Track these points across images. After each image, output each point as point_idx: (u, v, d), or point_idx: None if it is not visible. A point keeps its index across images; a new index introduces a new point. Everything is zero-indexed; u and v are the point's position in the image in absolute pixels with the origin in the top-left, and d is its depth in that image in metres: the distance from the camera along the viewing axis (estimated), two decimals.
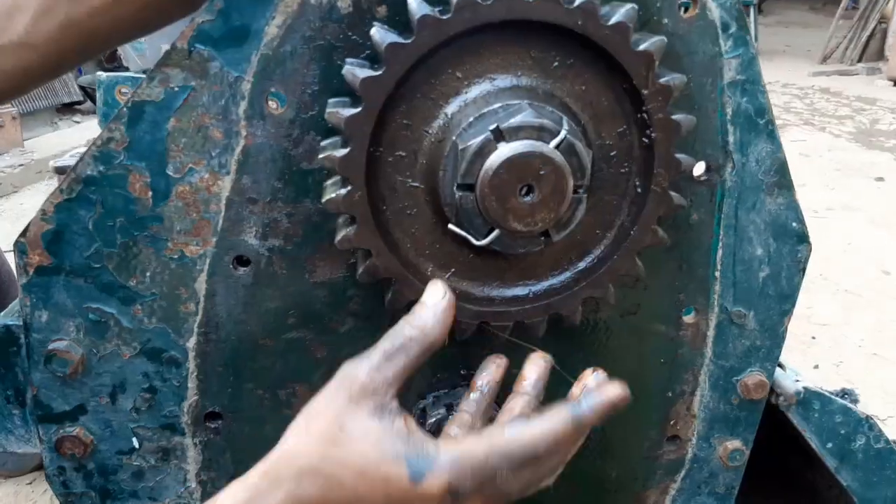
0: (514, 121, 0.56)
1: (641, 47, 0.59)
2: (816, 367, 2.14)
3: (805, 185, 4.05)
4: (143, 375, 0.74)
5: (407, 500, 0.51)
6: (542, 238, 0.62)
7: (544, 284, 0.68)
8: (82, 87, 5.68)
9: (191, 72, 0.64)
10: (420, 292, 0.64)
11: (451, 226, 0.61)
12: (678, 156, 0.64)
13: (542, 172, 0.57)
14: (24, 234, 0.69)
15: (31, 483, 1.58)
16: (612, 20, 0.59)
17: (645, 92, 0.61)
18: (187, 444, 0.78)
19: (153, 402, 0.76)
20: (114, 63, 5.60)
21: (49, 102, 5.29)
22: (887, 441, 0.91)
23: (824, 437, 0.89)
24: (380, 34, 0.58)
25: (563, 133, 0.55)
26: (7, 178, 4.00)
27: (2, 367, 0.75)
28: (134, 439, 0.77)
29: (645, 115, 0.62)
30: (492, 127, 0.57)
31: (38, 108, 5.12)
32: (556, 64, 0.61)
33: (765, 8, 12.59)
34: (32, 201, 3.56)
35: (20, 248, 0.69)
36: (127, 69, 5.50)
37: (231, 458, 0.80)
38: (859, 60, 8.29)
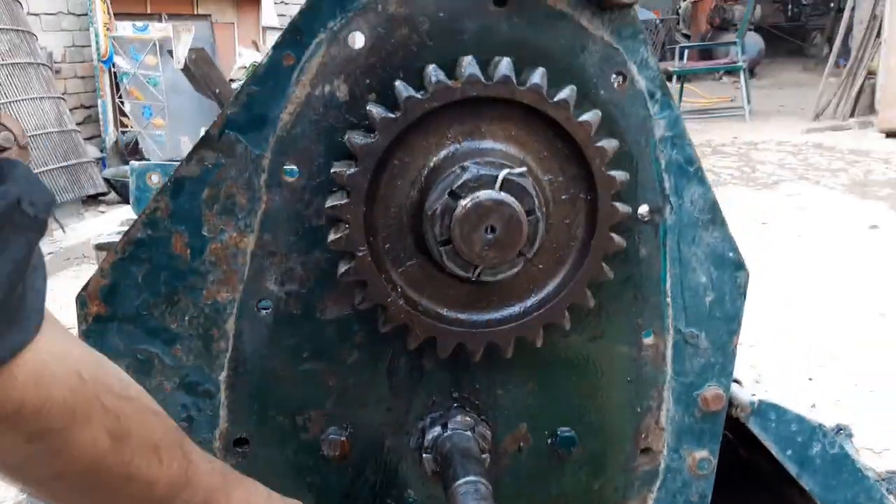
0: (463, 179, 0.72)
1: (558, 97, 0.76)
2: (813, 406, 2.22)
3: (801, 236, 4.18)
4: (182, 406, 0.88)
5: None
6: (520, 257, 0.76)
7: (534, 300, 0.82)
8: (107, 180, 5.99)
9: (221, 152, 0.81)
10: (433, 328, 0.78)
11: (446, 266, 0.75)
12: (611, 173, 0.78)
13: (495, 212, 0.72)
14: (85, 288, 0.84)
15: None
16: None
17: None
18: None
19: (190, 430, 0.88)
20: (136, 156, 5.94)
21: (75, 195, 5.58)
22: (841, 447, 1.01)
23: (783, 445, 1.00)
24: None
25: (501, 175, 0.71)
26: None
27: None
28: None
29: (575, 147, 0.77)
30: (448, 190, 0.72)
31: (66, 201, 5.41)
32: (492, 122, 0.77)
33: (758, 72, 13.02)
34: (61, 286, 3.74)
35: (81, 300, 0.84)
36: (149, 160, 5.83)
37: (256, 479, 0.92)
38: (851, 115, 8.53)
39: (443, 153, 0.76)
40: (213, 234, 0.83)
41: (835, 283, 3.38)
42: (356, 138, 0.75)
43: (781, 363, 2.56)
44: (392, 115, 0.73)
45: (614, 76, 0.84)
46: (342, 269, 0.76)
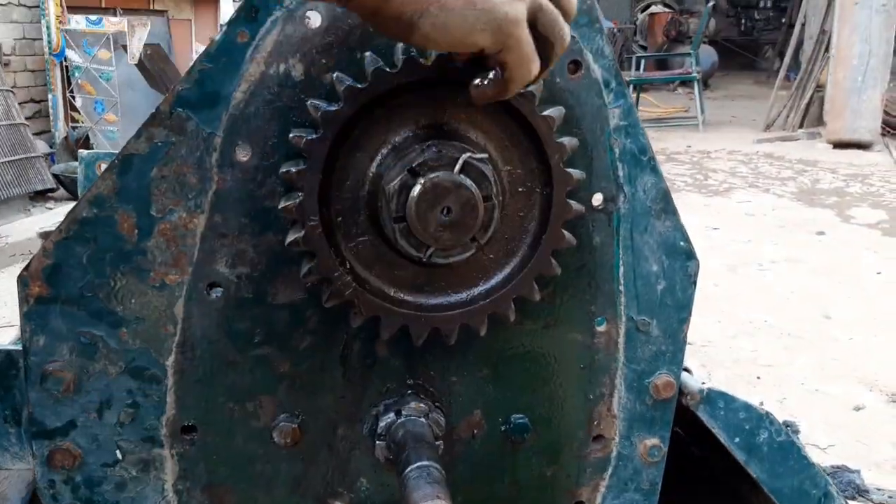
0: (423, 157, 0.71)
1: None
2: (761, 403, 2.27)
3: (751, 241, 4.29)
4: (128, 392, 0.85)
5: None
6: (473, 242, 0.76)
7: (481, 288, 0.82)
8: (55, 176, 5.82)
9: (171, 129, 0.79)
10: (378, 307, 0.77)
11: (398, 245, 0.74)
12: (568, 170, 0.79)
13: (452, 194, 0.72)
14: (26, 268, 0.81)
15: None
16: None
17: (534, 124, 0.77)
18: (165, 456, 0.88)
19: (135, 417, 0.86)
20: (88, 149, 5.78)
21: (22, 190, 5.42)
22: (787, 434, 1.04)
23: (731, 432, 1.01)
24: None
25: (462, 158, 0.70)
26: None
27: (1, 390, 0.85)
28: (118, 451, 0.87)
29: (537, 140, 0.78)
30: (407, 167, 0.72)
31: (12, 196, 5.25)
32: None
33: (712, 83, 13.32)
34: (6, 284, 3.62)
35: (23, 280, 0.81)
36: None
37: (205, 469, 0.90)
38: (800, 126, 8.79)
39: (405, 131, 0.75)
40: (161, 214, 0.81)
41: (782, 287, 3.47)
42: (319, 105, 0.73)
43: (730, 363, 2.61)
44: (359, 85, 0.72)
45: (570, 64, 0.85)
46: (291, 237, 0.74)
